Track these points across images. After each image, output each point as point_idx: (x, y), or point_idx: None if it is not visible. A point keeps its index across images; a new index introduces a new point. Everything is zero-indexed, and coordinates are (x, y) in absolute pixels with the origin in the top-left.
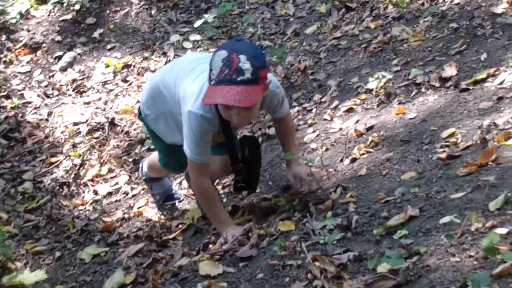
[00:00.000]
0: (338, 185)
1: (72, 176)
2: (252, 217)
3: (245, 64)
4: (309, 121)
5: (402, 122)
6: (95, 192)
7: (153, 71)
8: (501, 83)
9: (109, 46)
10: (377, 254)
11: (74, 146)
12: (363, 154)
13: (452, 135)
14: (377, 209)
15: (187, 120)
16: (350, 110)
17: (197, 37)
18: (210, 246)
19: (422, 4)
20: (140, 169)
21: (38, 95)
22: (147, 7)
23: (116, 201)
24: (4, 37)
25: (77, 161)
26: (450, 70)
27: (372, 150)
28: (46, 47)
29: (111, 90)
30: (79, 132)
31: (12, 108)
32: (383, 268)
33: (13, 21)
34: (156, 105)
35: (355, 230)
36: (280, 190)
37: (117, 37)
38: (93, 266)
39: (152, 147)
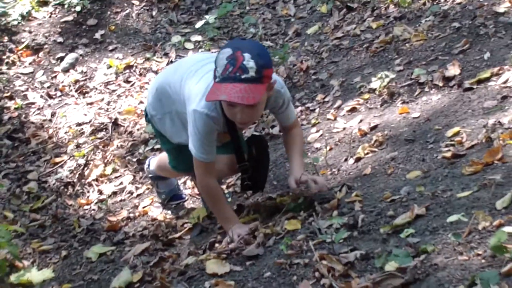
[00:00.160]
0: (343, 184)
1: (77, 176)
2: (257, 216)
3: (249, 62)
4: (313, 121)
5: (406, 122)
6: (100, 192)
7: (155, 72)
8: (505, 82)
9: (110, 47)
10: (384, 253)
11: (78, 146)
12: (367, 153)
13: (456, 134)
14: (383, 208)
15: (193, 119)
16: (353, 109)
17: (198, 37)
18: (217, 245)
19: (424, 4)
20: (146, 167)
21: (41, 96)
22: (148, 8)
23: (121, 200)
24: (6, 38)
25: (81, 161)
26: (453, 70)
27: (376, 149)
28: (48, 48)
29: (113, 91)
30: (83, 133)
31: (15, 109)
32: (390, 266)
33: (15, 22)
34: (162, 105)
35: (361, 229)
36: (284, 190)
37: (119, 38)
38: (99, 265)
39: (156, 146)
